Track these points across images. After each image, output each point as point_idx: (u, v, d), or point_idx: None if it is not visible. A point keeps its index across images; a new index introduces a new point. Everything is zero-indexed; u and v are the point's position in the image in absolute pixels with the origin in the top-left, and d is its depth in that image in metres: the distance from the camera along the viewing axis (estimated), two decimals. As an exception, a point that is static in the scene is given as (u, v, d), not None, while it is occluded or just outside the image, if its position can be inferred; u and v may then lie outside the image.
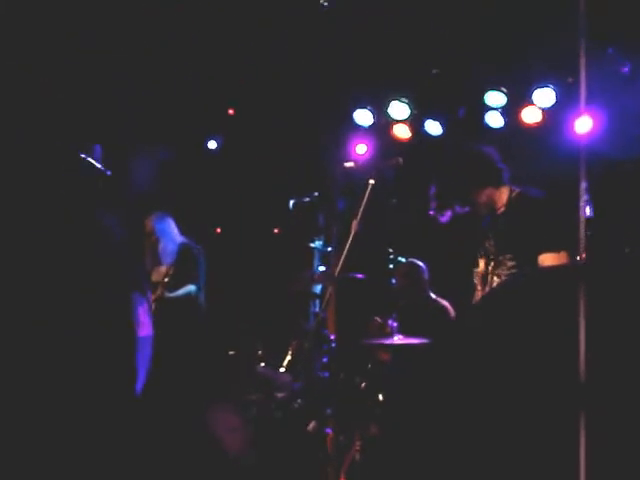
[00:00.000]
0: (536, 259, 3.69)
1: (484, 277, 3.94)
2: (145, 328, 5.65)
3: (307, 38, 6.20)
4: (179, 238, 5.91)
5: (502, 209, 3.91)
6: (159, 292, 5.53)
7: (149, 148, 6.72)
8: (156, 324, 5.41)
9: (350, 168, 4.15)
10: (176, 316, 5.57)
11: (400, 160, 3.88)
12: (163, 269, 5.73)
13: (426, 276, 5.51)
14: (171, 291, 5.59)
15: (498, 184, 3.91)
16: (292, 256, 6.28)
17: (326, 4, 4.35)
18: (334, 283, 3.97)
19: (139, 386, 5.41)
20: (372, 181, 3.82)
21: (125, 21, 5.95)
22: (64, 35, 5.88)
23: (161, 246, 5.80)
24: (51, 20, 5.59)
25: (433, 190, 3.96)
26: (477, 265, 4.01)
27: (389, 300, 5.32)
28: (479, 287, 3.96)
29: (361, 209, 3.83)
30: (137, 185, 6.59)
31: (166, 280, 5.53)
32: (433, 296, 5.49)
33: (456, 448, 3.75)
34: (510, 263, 3.81)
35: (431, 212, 3.96)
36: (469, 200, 3.91)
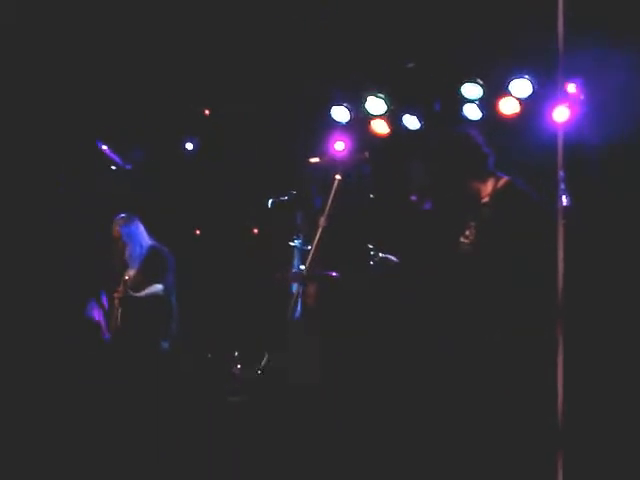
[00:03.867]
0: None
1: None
2: (104, 332, 5.63)
3: (281, 36, 6.15)
4: (147, 241, 5.83)
5: (486, 199, 3.74)
6: (123, 293, 5.47)
7: (126, 151, 6.67)
8: (124, 324, 5.39)
9: (316, 163, 4.08)
10: (144, 316, 5.52)
11: (367, 154, 3.80)
12: (131, 273, 5.67)
13: None
14: (136, 292, 5.53)
15: (483, 171, 3.76)
16: (272, 256, 6.22)
17: None
18: (305, 281, 3.91)
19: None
20: (338, 176, 3.74)
21: (102, 20, 5.92)
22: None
23: (128, 250, 5.74)
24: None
25: (415, 175, 3.78)
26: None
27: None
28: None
29: (328, 204, 3.76)
30: (113, 188, 6.55)
31: (130, 279, 5.47)
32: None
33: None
34: None
35: (413, 198, 3.81)
36: (453, 187, 3.74)
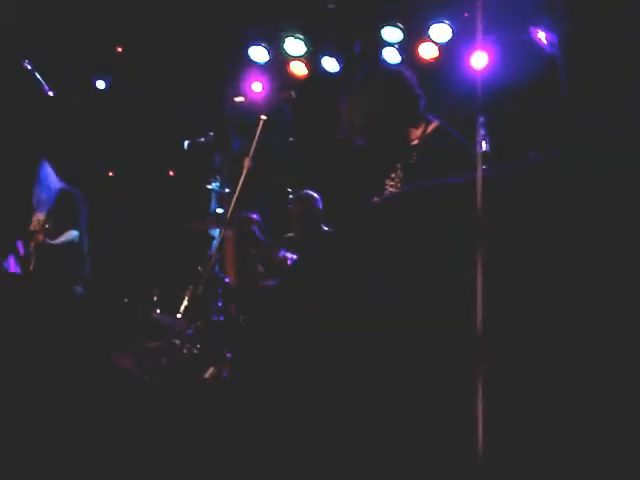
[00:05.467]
0: None
1: None
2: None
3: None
4: (57, 184, 5.63)
5: (416, 141, 3.58)
6: (40, 239, 5.29)
7: (34, 88, 6.38)
8: (40, 272, 5.23)
9: (240, 103, 3.97)
10: (60, 263, 5.36)
11: (293, 93, 3.70)
12: (40, 217, 5.46)
13: (320, 207, 5.39)
14: (52, 238, 5.35)
15: (415, 112, 3.64)
16: (188, 198, 6.11)
17: None
18: (227, 224, 3.83)
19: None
20: (264, 117, 3.65)
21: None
22: None
23: (36, 194, 5.54)
24: None
25: (345, 111, 3.66)
26: None
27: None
28: None
29: (253, 145, 3.67)
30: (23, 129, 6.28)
31: (46, 227, 5.28)
32: (326, 229, 5.39)
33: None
34: None
35: (341, 135, 3.70)
36: (384, 127, 3.63)
